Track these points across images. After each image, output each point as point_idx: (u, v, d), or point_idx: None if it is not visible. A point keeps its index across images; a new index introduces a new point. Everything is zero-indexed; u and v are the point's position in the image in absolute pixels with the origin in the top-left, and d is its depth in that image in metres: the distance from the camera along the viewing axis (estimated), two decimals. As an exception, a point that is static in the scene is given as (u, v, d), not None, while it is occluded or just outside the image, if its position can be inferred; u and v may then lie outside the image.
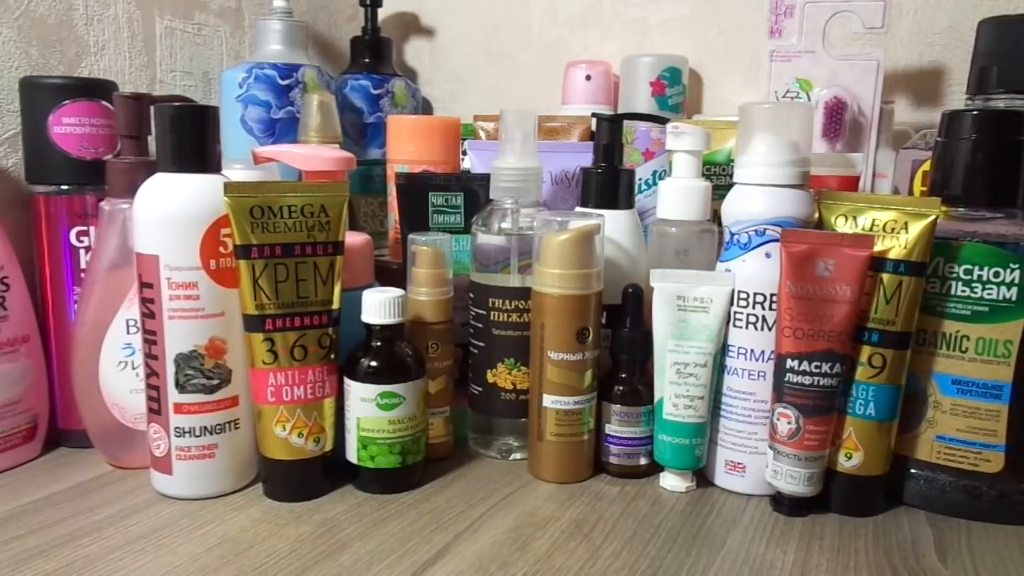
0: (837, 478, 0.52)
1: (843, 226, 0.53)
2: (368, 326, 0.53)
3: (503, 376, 0.58)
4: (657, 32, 0.91)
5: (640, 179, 0.68)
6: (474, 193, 0.62)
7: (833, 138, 0.71)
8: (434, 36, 1.03)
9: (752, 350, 0.53)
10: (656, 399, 0.55)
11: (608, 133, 0.59)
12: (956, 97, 0.78)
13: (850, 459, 0.52)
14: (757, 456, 0.53)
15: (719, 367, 0.55)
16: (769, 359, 0.53)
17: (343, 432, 0.54)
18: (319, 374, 0.52)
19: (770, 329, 0.52)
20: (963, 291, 0.51)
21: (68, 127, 0.59)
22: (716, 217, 0.59)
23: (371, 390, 0.52)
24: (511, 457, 0.60)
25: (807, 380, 0.50)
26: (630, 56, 0.85)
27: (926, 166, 0.67)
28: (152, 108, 0.52)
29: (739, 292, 0.53)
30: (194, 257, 0.49)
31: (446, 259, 0.57)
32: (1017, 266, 0.50)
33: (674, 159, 0.60)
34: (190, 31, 0.79)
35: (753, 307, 0.53)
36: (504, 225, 0.58)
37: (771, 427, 0.52)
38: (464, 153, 0.75)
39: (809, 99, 0.72)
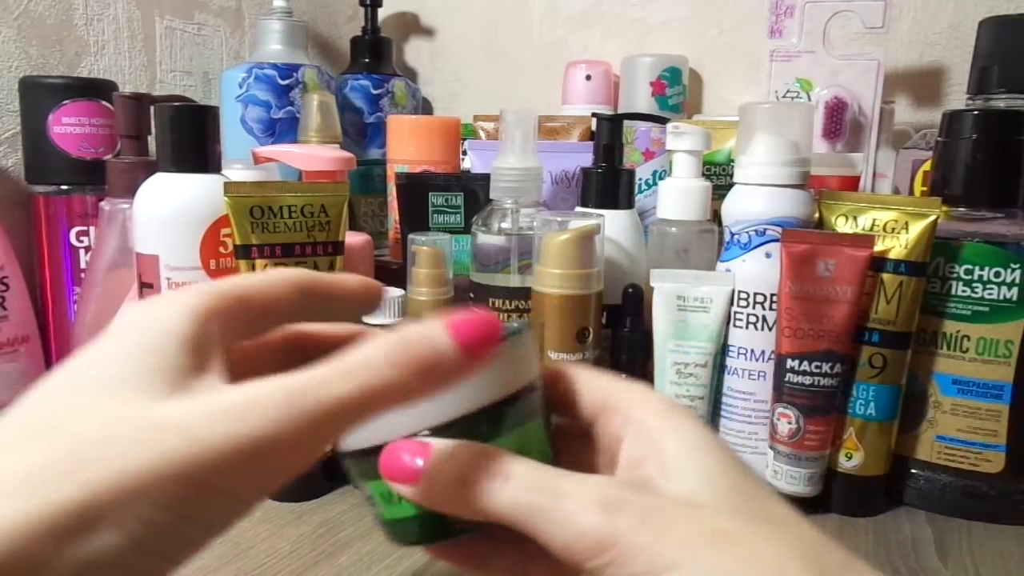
0: (837, 478, 0.52)
1: (843, 226, 0.53)
2: (368, 326, 0.53)
3: (503, 376, 0.58)
4: (657, 32, 0.91)
5: (640, 179, 0.68)
6: (474, 193, 0.62)
7: (833, 138, 0.71)
8: (434, 36, 1.03)
9: (752, 350, 0.53)
10: (656, 399, 0.55)
11: (608, 133, 0.59)
12: (956, 97, 0.78)
13: (850, 459, 0.52)
14: (757, 456, 0.53)
15: (719, 367, 0.54)
16: (769, 359, 0.53)
17: (343, 432, 0.54)
18: (319, 374, 0.52)
19: (770, 329, 0.52)
20: (964, 291, 0.51)
21: (68, 127, 0.60)
22: (716, 217, 0.59)
23: (371, 390, 0.52)
24: (511, 457, 0.60)
25: (807, 380, 0.50)
26: (630, 56, 0.85)
27: (926, 166, 0.67)
28: (152, 108, 0.52)
29: (739, 292, 0.53)
30: (194, 257, 0.49)
31: (446, 259, 0.57)
32: (1018, 266, 0.50)
33: (674, 159, 0.60)
34: (190, 31, 0.79)
35: (753, 307, 0.53)
36: (504, 225, 0.57)
37: (771, 427, 0.52)
38: (464, 153, 0.75)
39: (809, 99, 0.72)
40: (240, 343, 0.23)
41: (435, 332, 0.21)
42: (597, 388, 0.26)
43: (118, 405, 0.18)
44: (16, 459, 0.17)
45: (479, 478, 0.21)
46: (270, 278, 0.23)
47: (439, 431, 0.22)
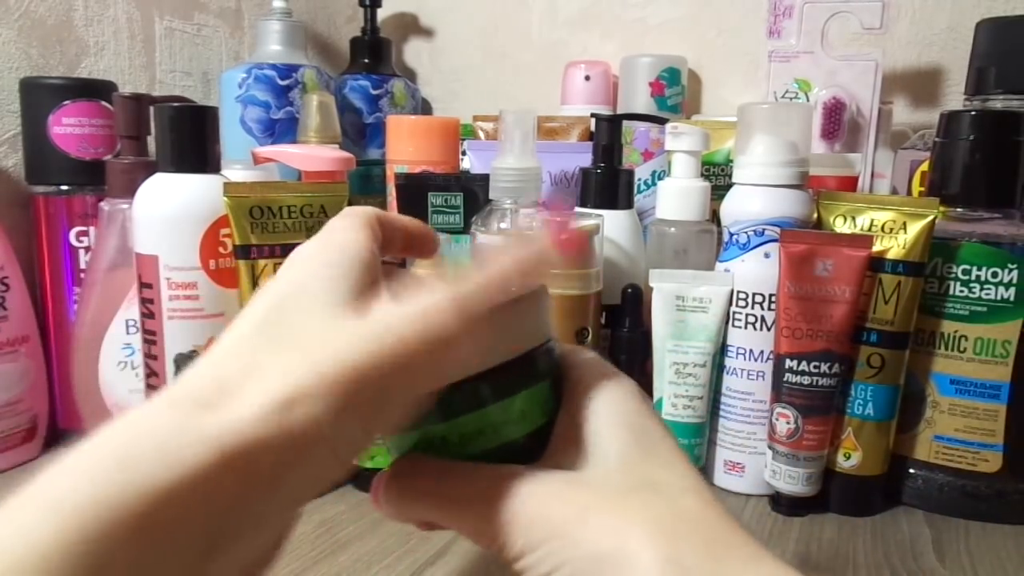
0: (836, 478, 0.52)
1: (842, 226, 0.53)
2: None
3: (502, 376, 0.58)
4: (656, 32, 0.91)
5: (639, 179, 0.68)
6: (473, 193, 0.62)
7: (832, 138, 0.71)
8: (434, 36, 1.03)
9: (751, 350, 0.53)
10: (655, 399, 0.55)
11: (607, 133, 0.59)
12: (954, 97, 0.79)
13: (849, 459, 0.52)
14: (756, 456, 0.54)
15: (718, 367, 0.55)
16: (768, 359, 0.53)
17: (343, 432, 0.54)
18: (319, 374, 0.52)
19: (769, 329, 0.53)
20: (961, 291, 0.51)
21: (68, 127, 0.60)
22: (715, 217, 0.59)
23: (371, 390, 0.52)
24: (510, 457, 0.60)
25: (806, 380, 0.50)
26: (629, 56, 0.85)
27: (924, 166, 0.67)
28: (152, 108, 0.52)
29: (738, 292, 0.54)
30: (194, 257, 0.49)
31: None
32: (1015, 266, 0.50)
33: (673, 159, 0.60)
34: (190, 31, 0.80)
35: (752, 307, 0.53)
36: (504, 225, 0.58)
37: (770, 427, 0.52)
38: (463, 153, 0.75)
39: (808, 99, 0.72)
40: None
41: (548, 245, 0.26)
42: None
43: (327, 320, 0.22)
44: (265, 363, 0.21)
45: (400, 499, 0.26)
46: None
47: (464, 383, 0.24)
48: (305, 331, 0.22)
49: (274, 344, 0.21)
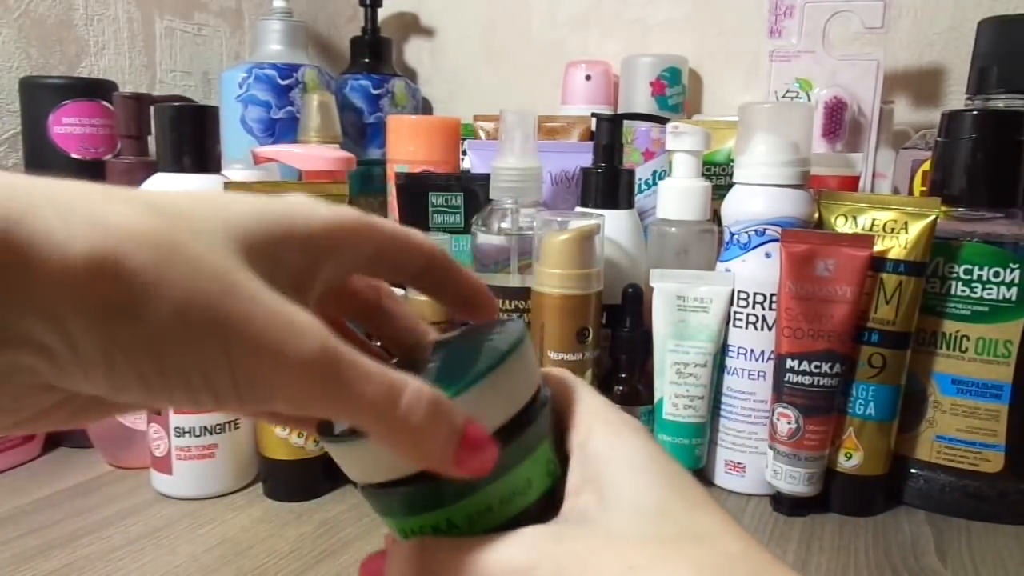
0: (837, 478, 0.52)
1: (843, 226, 0.53)
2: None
3: (503, 376, 0.58)
4: (657, 32, 0.91)
5: (640, 179, 0.68)
6: (474, 193, 0.62)
7: (833, 138, 0.71)
8: (434, 36, 1.03)
9: (752, 350, 0.53)
10: (656, 399, 0.55)
11: (608, 133, 0.59)
12: (956, 97, 0.78)
13: (850, 459, 0.52)
14: (757, 456, 0.53)
15: (719, 367, 0.55)
16: (769, 359, 0.53)
17: (343, 432, 0.54)
18: (319, 374, 0.52)
19: (770, 329, 0.52)
20: (963, 291, 0.51)
21: (68, 127, 0.60)
22: (716, 217, 0.59)
23: (371, 390, 0.52)
24: (511, 457, 0.60)
25: (807, 380, 0.50)
26: (630, 56, 0.85)
27: (926, 166, 0.67)
28: (152, 108, 0.52)
29: (739, 292, 0.53)
30: (194, 257, 0.49)
31: (446, 259, 0.57)
32: (1017, 266, 0.50)
33: (674, 159, 0.60)
34: (190, 31, 0.79)
35: (753, 307, 0.53)
36: (504, 225, 0.58)
37: (771, 427, 0.52)
38: (464, 153, 0.75)
39: (809, 99, 0.72)
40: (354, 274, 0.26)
41: (452, 440, 0.21)
42: (563, 399, 0.26)
43: (223, 250, 0.19)
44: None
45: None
46: (418, 236, 0.25)
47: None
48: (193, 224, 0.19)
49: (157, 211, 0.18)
